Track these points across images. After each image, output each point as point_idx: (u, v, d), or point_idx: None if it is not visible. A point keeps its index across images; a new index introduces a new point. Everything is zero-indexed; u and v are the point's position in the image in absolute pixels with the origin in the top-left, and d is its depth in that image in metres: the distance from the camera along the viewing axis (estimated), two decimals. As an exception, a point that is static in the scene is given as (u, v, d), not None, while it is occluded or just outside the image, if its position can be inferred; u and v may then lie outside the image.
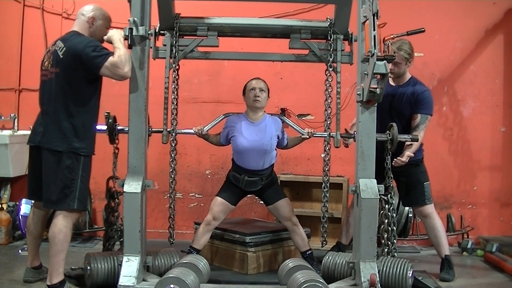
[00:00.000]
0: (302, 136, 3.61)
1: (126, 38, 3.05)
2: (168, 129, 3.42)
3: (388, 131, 3.40)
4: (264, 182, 3.71)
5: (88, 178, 3.20)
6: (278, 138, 3.73)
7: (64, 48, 3.08)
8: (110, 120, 3.37)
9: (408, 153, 3.56)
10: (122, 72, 3.00)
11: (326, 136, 3.47)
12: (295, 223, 3.71)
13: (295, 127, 3.68)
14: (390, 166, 3.42)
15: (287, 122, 3.77)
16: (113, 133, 3.38)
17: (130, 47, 3.09)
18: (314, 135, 3.56)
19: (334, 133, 3.44)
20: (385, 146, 3.40)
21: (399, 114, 3.72)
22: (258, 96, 3.67)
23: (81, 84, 3.09)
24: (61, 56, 3.07)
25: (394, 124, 3.40)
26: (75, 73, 3.05)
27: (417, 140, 3.55)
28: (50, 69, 3.13)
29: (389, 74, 3.57)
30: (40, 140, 3.10)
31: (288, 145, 3.81)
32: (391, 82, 3.80)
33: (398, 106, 3.74)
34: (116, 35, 3.08)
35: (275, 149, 3.76)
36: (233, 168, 3.77)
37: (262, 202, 3.93)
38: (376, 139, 3.21)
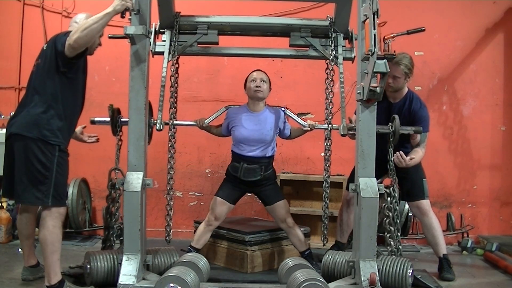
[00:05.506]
0: (304, 128, 3.61)
1: (126, 36, 3.04)
2: (166, 121, 3.38)
3: (390, 123, 3.43)
4: (264, 173, 3.69)
5: (65, 174, 3.07)
6: (279, 129, 3.74)
7: (49, 41, 3.11)
8: (113, 112, 3.38)
9: (412, 156, 3.58)
10: (70, 39, 2.89)
11: (327, 128, 3.45)
12: (290, 225, 3.69)
13: (296, 119, 3.68)
14: (392, 161, 3.44)
15: (289, 114, 3.76)
16: (116, 125, 3.39)
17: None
18: (316, 127, 3.56)
19: (335, 125, 3.43)
20: (387, 138, 3.41)
21: None
22: (259, 87, 3.67)
23: (58, 73, 3.01)
24: (44, 48, 3.09)
25: (396, 116, 3.42)
26: (51, 62, 3.01)
27: (420, 132, 3.56)
28: (35, 63, 3.13)
29: (387, 89, 3.58)
30: (11, 129, 3.02)
31: (291, 135, 3.82)
32: (389, 98, 3.79)
33: None
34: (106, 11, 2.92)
35: (275, 142, 3.77)
36: (233, 158, 3.76)
37: (260, 201, 3.92)
38: (378, 131, 3.21)
